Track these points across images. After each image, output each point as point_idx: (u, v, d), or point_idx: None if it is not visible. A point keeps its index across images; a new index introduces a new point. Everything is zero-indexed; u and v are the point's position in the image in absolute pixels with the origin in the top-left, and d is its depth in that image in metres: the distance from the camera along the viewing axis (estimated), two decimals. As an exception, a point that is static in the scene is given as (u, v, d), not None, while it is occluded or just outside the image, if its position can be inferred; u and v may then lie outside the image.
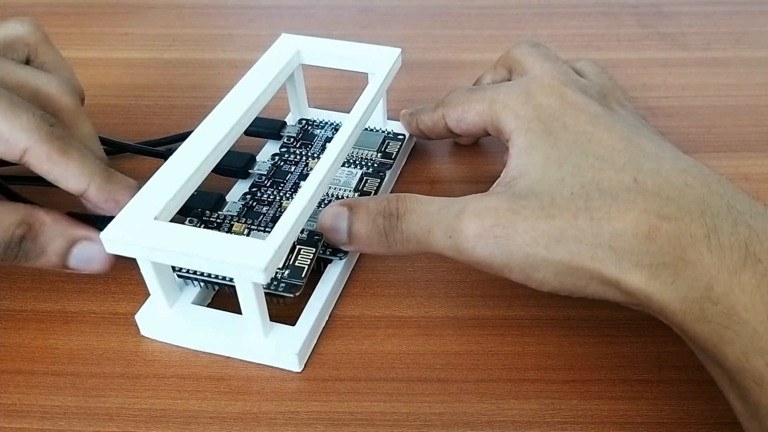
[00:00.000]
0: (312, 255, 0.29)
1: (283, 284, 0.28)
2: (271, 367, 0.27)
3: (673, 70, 0.45)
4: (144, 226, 0.25)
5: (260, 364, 0.27)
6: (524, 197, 0.25)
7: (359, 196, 0.33)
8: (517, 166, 0.27)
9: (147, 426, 0.26)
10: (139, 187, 0.27)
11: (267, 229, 0.31)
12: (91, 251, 0.27)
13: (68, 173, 0.27)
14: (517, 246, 0.25)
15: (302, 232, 0.29)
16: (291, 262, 0.28)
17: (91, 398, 0.26)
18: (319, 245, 0.29)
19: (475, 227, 0.25)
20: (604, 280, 0.24)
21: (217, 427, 0.26)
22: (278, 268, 0.28)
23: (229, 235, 0.25)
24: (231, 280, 0.27)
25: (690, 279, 0.22)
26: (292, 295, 0.28)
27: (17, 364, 0.28)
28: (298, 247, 0.29)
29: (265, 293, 0.27)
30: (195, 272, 0.28)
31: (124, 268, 0.30)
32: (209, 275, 0.28)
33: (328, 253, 0.30)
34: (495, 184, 0.27)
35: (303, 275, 0.28)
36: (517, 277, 0.25)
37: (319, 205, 0.32)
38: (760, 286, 0.21)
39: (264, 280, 0.24)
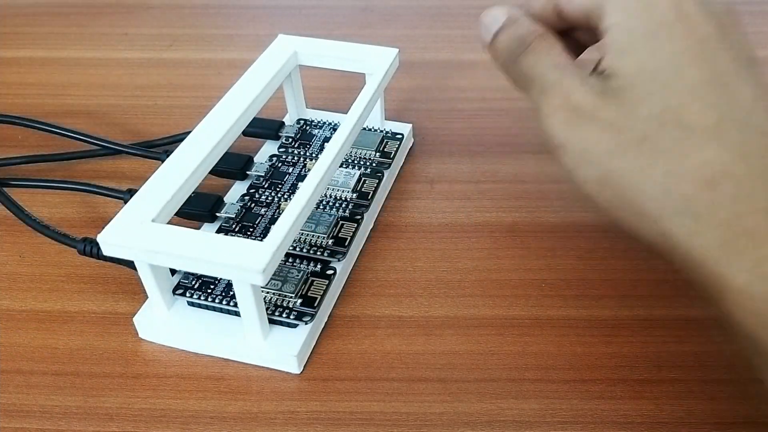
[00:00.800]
0: (325, 287, 0.29)
1: (294, 313, 0.28)
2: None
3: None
4: (141, 228, 0.25)
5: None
6: (610, 97, 0.24)
7: (357, 196, 0.33)
8: (611, 64, 0.25)
9: (147, 426, 0.26)
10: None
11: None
12: None
13: None
14: (580, 138, 0.24)
15: (316, 265, 0.30)
16: (304, 292, 0.29)
17: (91, 398, 0.26)
18: (332, 278, 0.29)
19: (560, 100, 0.25)
20: (642, 213, 0.23)
21: (217, 427, 0.26)
22: (291, 297, 0.28)
23: (226, 237, 0.25)
24: (235, 305, 0.27)
25: (741, 248, 0.21)
26: (304, 324, 0.28)
27: (17, 364, 0.28)
28: (311, 279, 0.29)
29: (278, 321, 0.27)
30: (205, 298, 0.28)
31: (124, 268, 0.30)
32: (215, 300, 0.28)
33: (326, 255, 0.30)
34: (595, 65, 0.26)
35: (315, 305, 0.28)
36: (569, 162, 0.25)
37: (318, 206, 0.32)
38: None
39: (262, 281, 0.24)
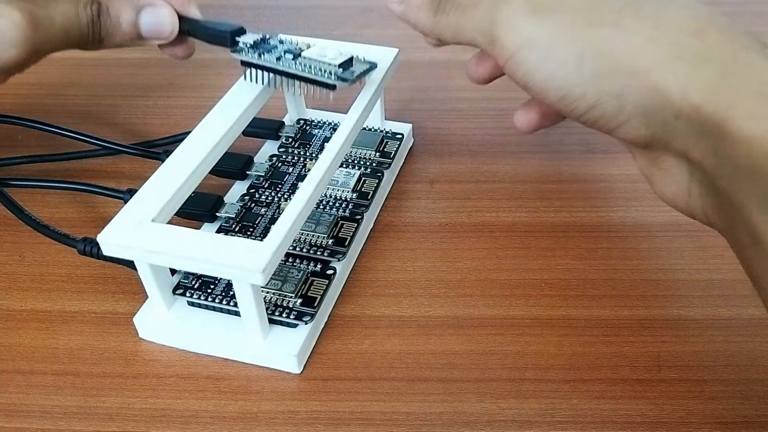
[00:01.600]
0: (325, 287, 0.29)
1: (294, 313, 0.28)
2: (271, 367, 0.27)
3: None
4: (141, 228, 0.25)
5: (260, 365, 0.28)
6: None
7: (357, 196, 0.33)
8: None
9: (147, 426, 0.26)
10: None
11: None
12: (156, 15, 0.30)
13: None
14: (553, 21, 0.24)
15: (316, 264, 0.30)
16: (304, 292, 0.28)
17: (91, 398, 0.26)
18: (332, 277, 0.29)
19: (513, 8, 0.25)
20: (631, 72, 0.23)
21: (217, 427, 0.26)
22: (291, 297, 0.28)
23: (226, 237, 0.25)
24: (235, 305, 0.27)
25: (742, 76, 0.21)
26: (303, 323, 0.28)
27: (17, 364, 0.28)
28: (311, 278, 0.29)
29: (277, 321, 0.27)
30: (205, 298, 0.28)
31: (124, 268, 0.30)
32: (215, 300, 0.28)
33: (326, 255, 0.30)
34: None
35: (315, 305, 0.28)
36: (535, 59, 0.25)
37: (318, 206, 0.32)
38: None
39: (262, 281, 0.24)
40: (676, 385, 0.27)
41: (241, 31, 0.32)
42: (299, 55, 0.31)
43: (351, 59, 0.31)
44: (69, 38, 0.30)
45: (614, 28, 0.23)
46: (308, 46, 0.32)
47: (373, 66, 0.32)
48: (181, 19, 0.32)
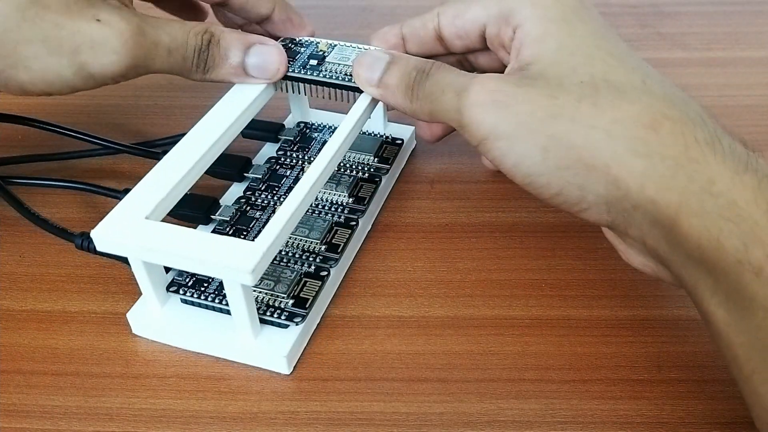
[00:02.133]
0: (318, 288, 0.29)
1: (286, 313, 0.28)
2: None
3: (673, 70, 0.45)
4: (134, 225, 0.25)
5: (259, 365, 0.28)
6: (534, 78, 0.26)
7: (353, 201, 0.33)
8: (531, 54, 0.27)
9: (147, 426, 0.26)
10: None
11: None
12: (263, 53, 0.31)
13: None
14: (513, 113, 0.25)
15: (309, 266, 0.30)
16: (297, 293, 0.28)
17: (91, 398, 0.26)
18: (325, 279, 0.29)
19: (480, 89, 0.26)
20: (592, 166, 0.24)
21: (217, 427, 0.26)
22: (283, 297, 0.28)
23: (218, 236, 0.25)
24: (227, 303, 0.27)
25: (691, 172, 0.23)
26: (295, 324, 0.28)
27: (17, 364, 0.28)
28: (304, 279, 0.29)
29: (269, 321, 0.27)
30: (198, 296, 0.28)
31: (124, 267, 0.30)
32: (208, 298, 0.28)
33: (319, 261, 0.30)
34: (507, 69, 0.28)
35: (307, 306, 0.28)
36: (501, 147, 0.26)
37: (313, 211, 0.32)
38: (761, 186, 0.22)
39: (251, 281, 0.24)
40: (676, 385, 0.27)
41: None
42: (324, 59, 0.32)
43: None
44: (172, 62, 0.30)
45: (573, 121, 0.24)
46: (328, 47, 0.33)
47: None
48: None
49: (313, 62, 0.33)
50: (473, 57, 0.33)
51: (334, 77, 0.32)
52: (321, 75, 0.32)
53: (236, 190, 0.34)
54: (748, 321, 0.21)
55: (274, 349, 0.27)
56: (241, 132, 0.32)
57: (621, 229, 0.25)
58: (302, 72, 0.33)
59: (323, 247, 0.30)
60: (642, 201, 0.23)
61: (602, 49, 0.26)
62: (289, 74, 0.32)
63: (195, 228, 0.32)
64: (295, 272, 0.29)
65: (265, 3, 0.34)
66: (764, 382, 0.21)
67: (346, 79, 0.32)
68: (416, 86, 0.28)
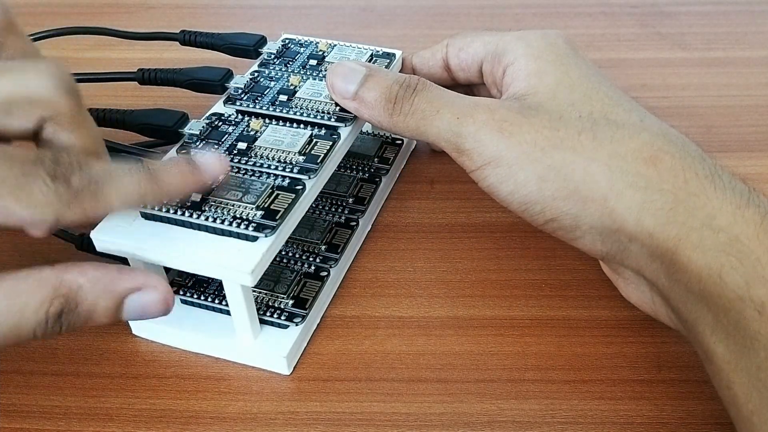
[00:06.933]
0: (317, 288, 0.29)
1: (286, 314, 0.28)
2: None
3: (673, 70, 0.45)
4: (134, 225, 0.25)
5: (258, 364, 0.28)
6: (534, 109, 0.26)
7: (354, 201, 0.33)
8: (527, 86, 0.27)
9: (147, 426, 0.26)
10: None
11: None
12: (143, 301, 0.23)
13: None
14: (517, 142, 0.25)
15: (309, 266, 0.29)
16: (296, 294, 0.28)
17: (91, 398, 0.26)
18: (325, 279, 0.29)
19: (485, 116, 0.26)
20: (588, 198, 0.24)
21: (216, 428, 0.26)
22: (283, 298, 0.28)
23: (218, 236, 0.25)
24: (227, 304, 0.27)
25: (691, 207, 0.23)
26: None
27: (17, 364, 0.28)
28: (304, 279, 0.29)
29: (269, 321, 0.27)
30: (198, 296, 0.28)
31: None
32: (208, 298, 0.28)
33: (319, 261, 0.30)
34: (501, 99, 0.28)
35: (307, 307, 0.28)
36: (499, 174, 0.26)
37: (313, 211, 0.32)
38: (763, 223, 0.22)
39: (251, 282, 0.24)
40: (676, 386, 0.27)
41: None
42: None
43: None
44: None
45: (573, 152, 0.25)
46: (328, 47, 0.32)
47: None
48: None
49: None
50: (476, 89, 0.34)
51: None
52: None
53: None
54: (749, 360, 0.21)
55: (274, 350, 0.27)
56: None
57: (617, 260, 0.25)
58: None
59: (323, 247, 0.30)
60: (639, 234, 0.23)
61: (599, 90, 0.27)
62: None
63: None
64: (295, 272, 0.29)
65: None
66: (764, 424, 0.21)
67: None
68: (400, 101, 0.28)
